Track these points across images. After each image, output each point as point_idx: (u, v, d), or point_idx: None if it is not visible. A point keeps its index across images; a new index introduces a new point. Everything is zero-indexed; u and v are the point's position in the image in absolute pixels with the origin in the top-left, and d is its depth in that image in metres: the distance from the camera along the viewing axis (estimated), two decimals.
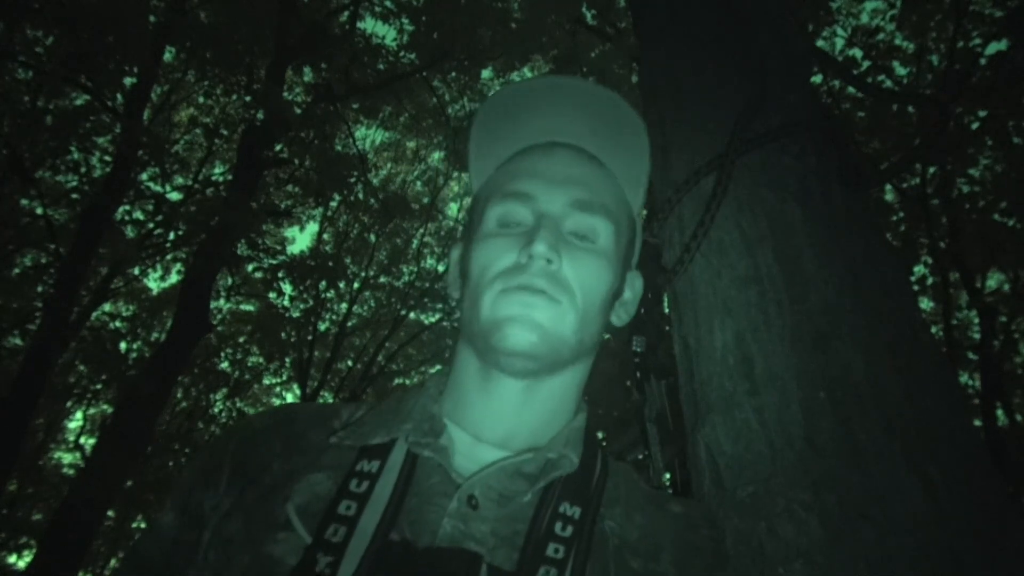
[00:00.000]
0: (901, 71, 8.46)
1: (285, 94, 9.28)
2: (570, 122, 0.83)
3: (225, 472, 0.75)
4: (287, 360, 13.42)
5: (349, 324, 14.15)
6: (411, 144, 14.86)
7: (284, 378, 14.56)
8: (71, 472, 13.86)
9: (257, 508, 0.70)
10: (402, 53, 9.70)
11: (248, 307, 13.48)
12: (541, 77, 0.84)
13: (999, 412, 7.59)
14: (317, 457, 0.74)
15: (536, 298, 0.73)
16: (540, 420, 0.78)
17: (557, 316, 0.74)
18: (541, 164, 0.82)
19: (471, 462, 0.73)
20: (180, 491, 0.77)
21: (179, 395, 13.47)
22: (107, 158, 8.96)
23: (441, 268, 14.00)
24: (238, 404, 14.28)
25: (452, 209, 15.91)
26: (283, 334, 12.34)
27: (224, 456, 0.76)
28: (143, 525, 13.69)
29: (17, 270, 10.48)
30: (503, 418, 0.77)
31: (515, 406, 0.77)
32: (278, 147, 8.96)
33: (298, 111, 8.77)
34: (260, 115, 8.32)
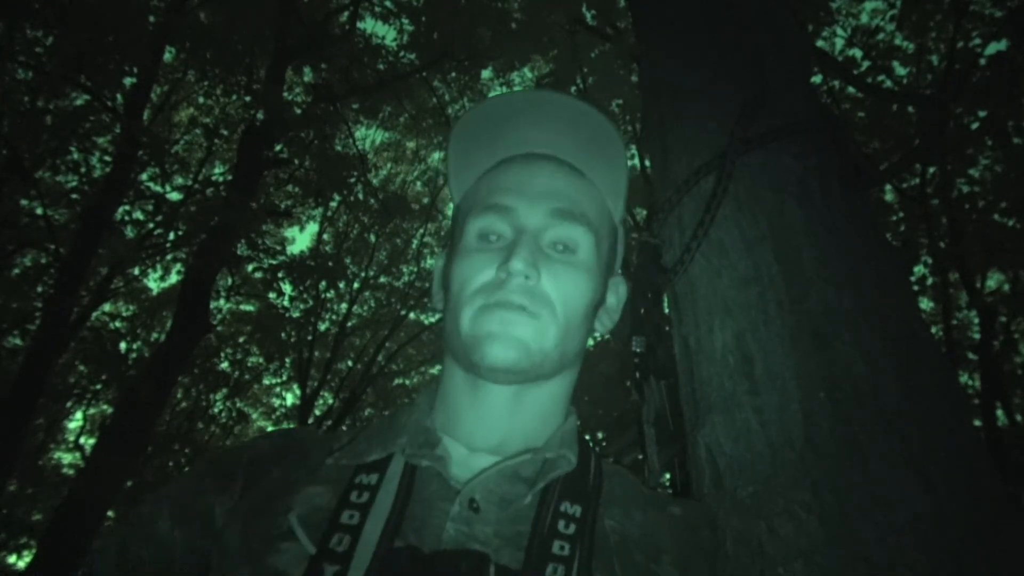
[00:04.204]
0: (901, 71, 8.47)
1: (285, 94, 9.27)
2: (550, 134, 0.83)
3: (239, 481, 0.75)
4: (287, 360, 13.41)
5: (349, 324, 14.13)
6: (411, 144, 14.84)
7: (284, 378, 14.56)
8: (71, 472, 13.84)
9: (255, 518, 0.69)
10: (402, 53, 9.68)
11: (248, 307, 13.46)
12: (522, 91, 0.86)
13: (999, 412, 7.58)
14: (315, 473, 0.74)
15: (515, 314, 0.73)
16: (532, 424, 0.78)
17: (537, 330, 0.74)
18: (521, 176, 0.82)
19: (467, 471, 0.73)
20: (181, 495, 0.75)
21: (179, 395, 13.45)
22: (107, 158, 8.96)
23: None
24: (238, 404, 14.27)
25: (452, 209, 15.83)
26: (283, 334, 12.33)
27: (239, 466, 0.77)
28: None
29: (17, 270, 10.47)
30: (496, 425, 0.77)
31: (506, 412, 0.77)
32: (278, 147, 8.94)
33: (298, 111, 8.76)
34: (260, 115, 8.31)
